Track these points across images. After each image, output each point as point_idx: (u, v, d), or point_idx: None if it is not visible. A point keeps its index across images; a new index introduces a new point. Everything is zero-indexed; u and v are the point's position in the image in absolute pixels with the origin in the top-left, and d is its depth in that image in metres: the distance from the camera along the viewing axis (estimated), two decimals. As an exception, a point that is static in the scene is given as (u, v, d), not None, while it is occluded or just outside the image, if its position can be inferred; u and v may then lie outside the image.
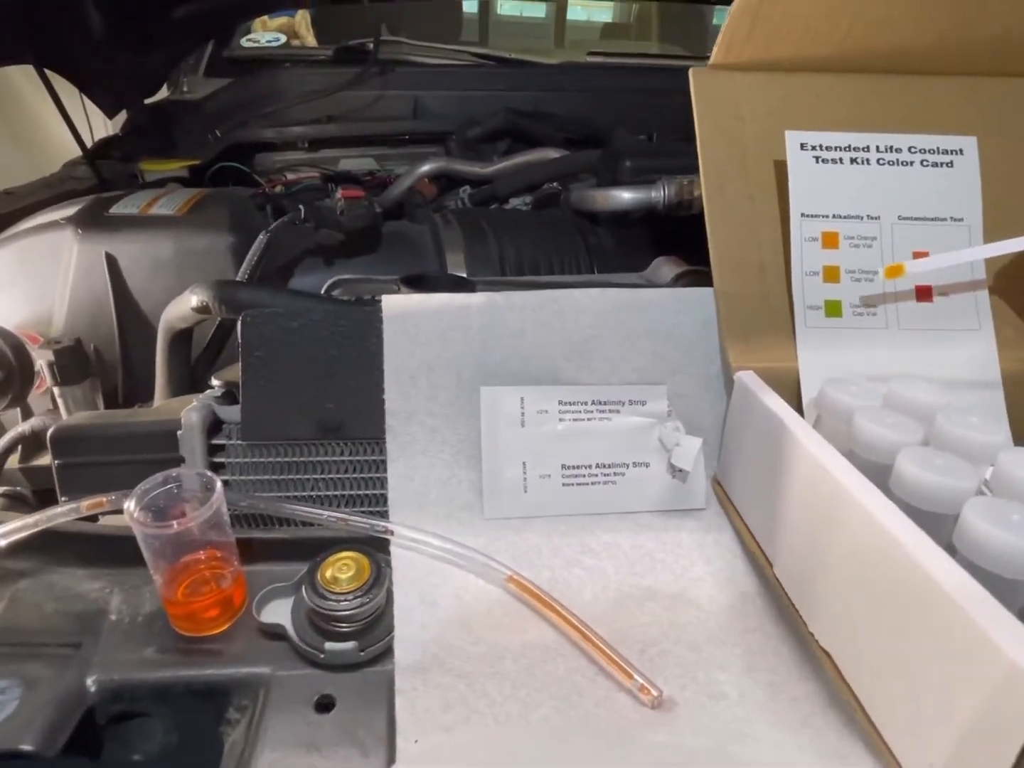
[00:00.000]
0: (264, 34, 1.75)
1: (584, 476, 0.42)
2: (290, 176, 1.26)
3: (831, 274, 0.43)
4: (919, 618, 0.24)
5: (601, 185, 0.84)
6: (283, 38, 1.75)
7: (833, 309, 0.43)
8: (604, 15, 2.42)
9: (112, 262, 0.59)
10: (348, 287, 0.60)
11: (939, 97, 0.46)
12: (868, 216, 0.44)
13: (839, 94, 0.47)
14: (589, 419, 0.43)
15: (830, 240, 0.44)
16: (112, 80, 1.23)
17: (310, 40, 1.91)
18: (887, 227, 0.44)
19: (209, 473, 0.34)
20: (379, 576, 0.35)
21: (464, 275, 0.70)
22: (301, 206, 0.61)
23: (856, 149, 0.44)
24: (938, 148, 0.45)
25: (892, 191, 0.44)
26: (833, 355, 0.42)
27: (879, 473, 0.32)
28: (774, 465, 0.36)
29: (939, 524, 0.29)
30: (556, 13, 2.28)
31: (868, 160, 0.44)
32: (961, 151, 0.45)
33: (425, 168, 1.06)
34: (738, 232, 0.45)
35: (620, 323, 0.43)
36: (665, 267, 0.65)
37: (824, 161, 0.44)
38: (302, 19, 1.95)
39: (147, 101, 1.35)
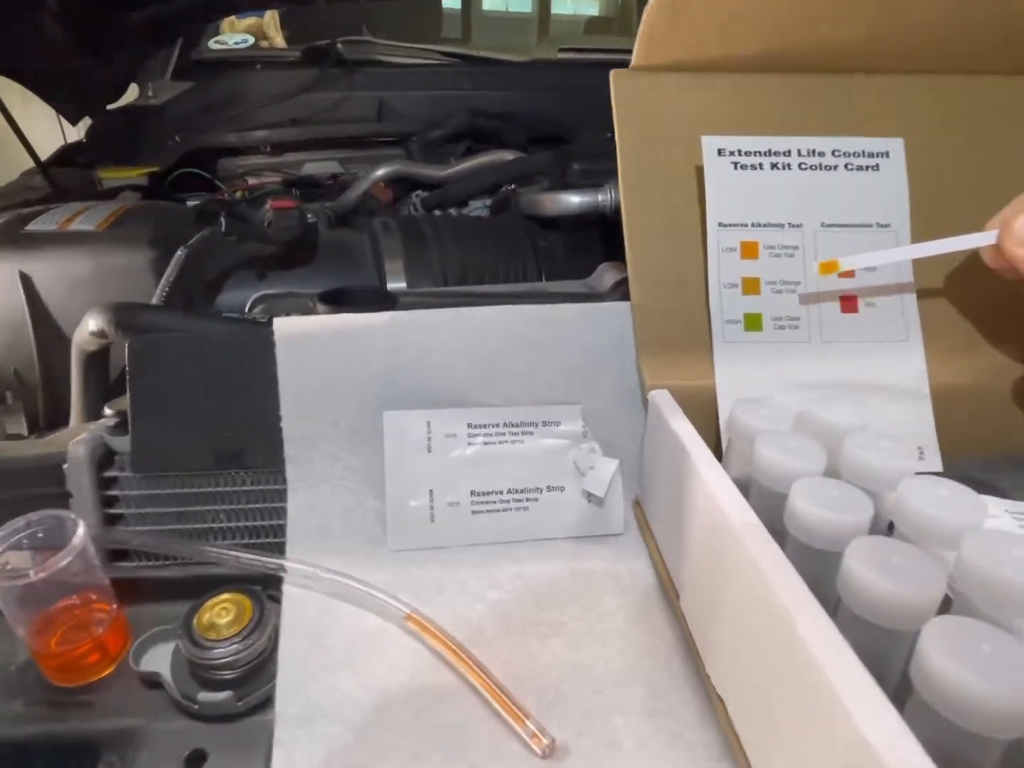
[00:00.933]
0: (232, 36, 1.73)
1: (495, 503, 0.40)
2: (252, 181, 1.25)
3: (751, 286, 0.41)
4: (789, 674, 0.23)
5: (553, 188, 0.82)
6: (251, 39, 1.73)
7: (753, 323, 0.41)
8: (591, 8, 2.38)
9: (27, 281, 0.57)
10: (272, 303, 0.58)
11: (866, 97, 0.44)
12: (790, 224, 0.42)
13: (763, 95, 0.45)
14: (500, 442, 0.41)
15: (749, 250, 0.42)
16: (73, 87, 1.21)
17: (279, 41, 1.88)
18: (810, 235, 0.42)
19: (72, 515, 0.32)
20: (261, 620, 0.33)
21: (404, 284, 0.69)
22: (223, 218, 0.59)
23: (777, 154, 0.42)
24: (863, 151, 0.43)
25: (815, 197, 0.42)
26: (752, 371, 0.40)
27: (780, 504, 0.31)
28: (680, 494, 0.34)
29: (831, 564, 0.27)
30: (540, 8, 2.25)
31: (789, 165, 0.42)
32: (887, 154, 0.43)
33: (380, 172, 1.04)
34: (658, 243, 0.43)
35: (529, 340, 0.41)
36: (607, 274, 0.64)
37: (743, 167, 0.42)
38: (271, 20, 1.92)
39: (112, 106, 1.33)
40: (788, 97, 0.44)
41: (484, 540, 0.40)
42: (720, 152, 0.42)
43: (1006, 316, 0.43)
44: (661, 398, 0.39)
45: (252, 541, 0.42)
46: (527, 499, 0.41)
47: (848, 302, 0.42)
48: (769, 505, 0.32)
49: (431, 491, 0.40)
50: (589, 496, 0.41)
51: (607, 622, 0.36)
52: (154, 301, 0.54)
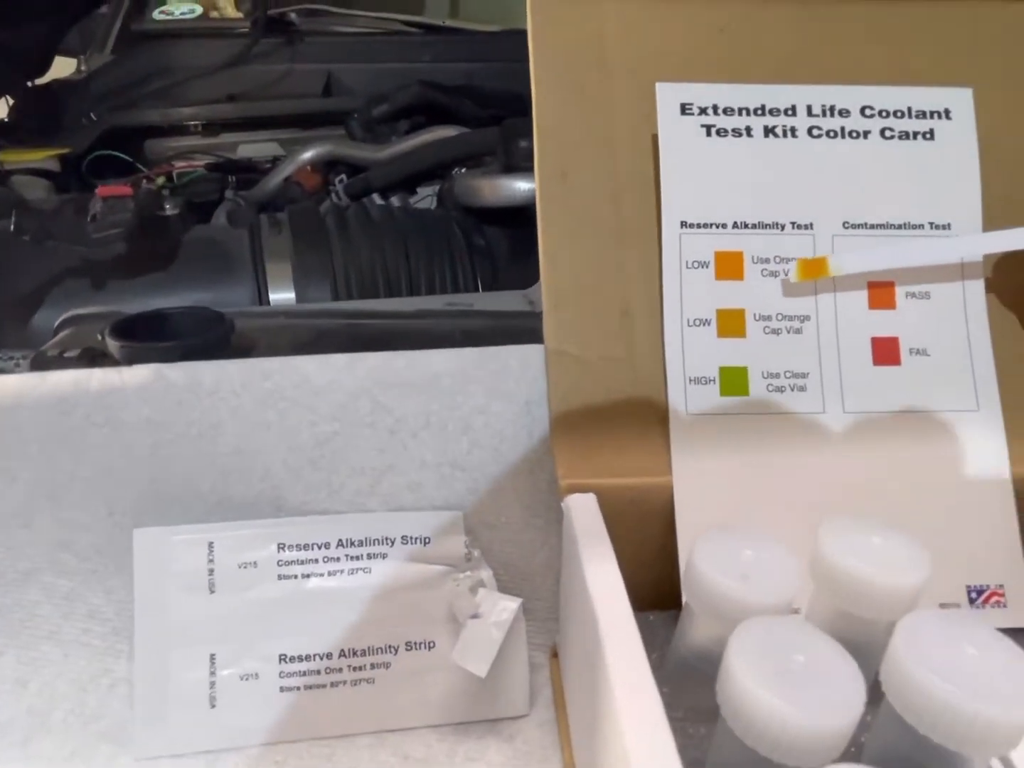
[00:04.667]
0: (179, 5, 1.57)
1: (319, 672, 0.25)
2: (181, 164, 1.09)
3: (731, 323, 0.26)
4: None
5: (499, 171, 0.66)
6: (199, 9, 1.57)
7: (734, 382, 0.26)
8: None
9: None
10: (82, 326, 0.43)
11: (916, 29, 0.29)
12: (794, 224, 0.26)
13: (760, 26, 0.29)
14: (332, 573, 0.26)
15: (730, 266, 0.26)
16: (-15, 61, 1.05)
17: (230, 11, 1.72)
18: (825, 241, 0.26)
19: None
20: None
21: (293, 295, 0.53)
22: (14, 212, 0.43)
23: (775, 112, 0.27)
24: (910, 109, 0.27)
25: (834, 182, 0.27)
26: (733, 464, 0.25)
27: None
28: (592, 681, 0.19)
29: None
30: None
31: (795, 130, 0.27)
32: (947, 113, 0.27)
33: (307, 155, 0.88)
34: (589, 253, 0.27)
35: (384, 410, 0.26)
36: (551, 284, 0.48)
37: (721, 133, 0.27)
38: (221, -12, 1.75)
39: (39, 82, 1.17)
40: (797, 29, 0.29)
41: (299, 735, 0.25)
42: (685, 109, 0.27)
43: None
44: (580, 508, 0.24)
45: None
46: (372, 665, 0.25)
47: (884, 347, 0.26)
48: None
49: (212, 656, 0.25)
50: (473, 658, 0.26)
51: None
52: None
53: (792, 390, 0.26)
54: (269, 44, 1.21)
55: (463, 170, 0.77)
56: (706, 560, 0.20)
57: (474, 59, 1.21)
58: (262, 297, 0.52)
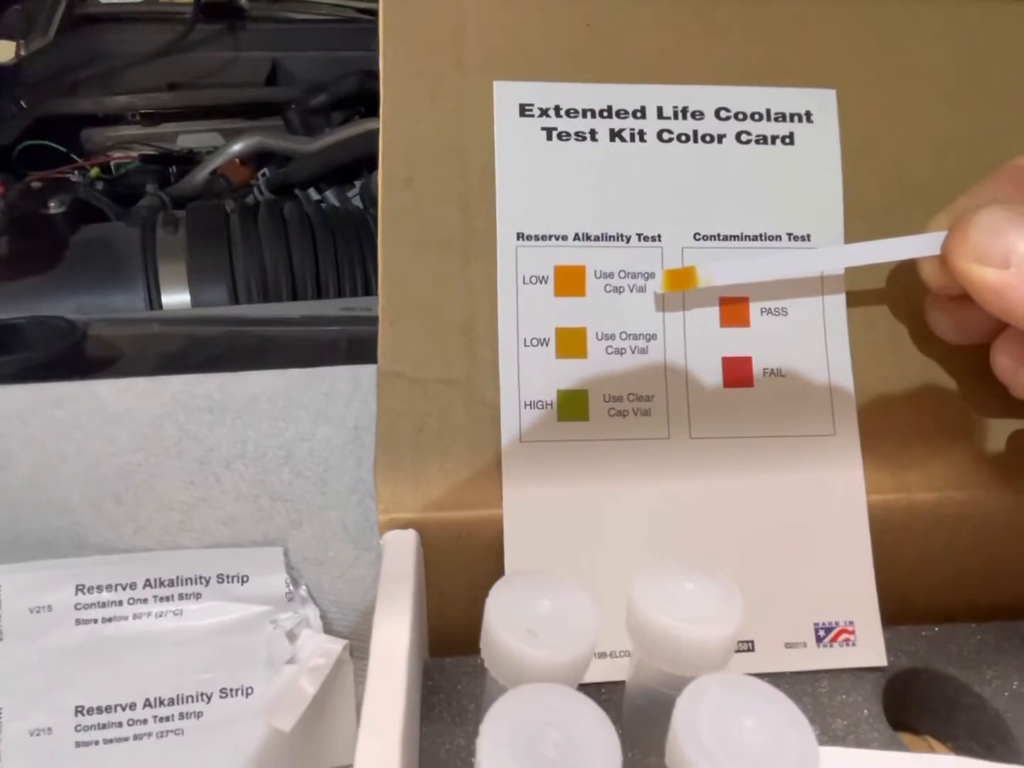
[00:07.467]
0: (127, -12, 1.52)
1: (121, 725, 0.23)
2: (119, 155, 1.06)
3: (571, 343, 0.24)
4: None
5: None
6: (148, -9, 1.52)
7: (573, 406, 0.24)
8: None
9: None
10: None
11: (789, 28, 0.27)
12: (640, 236, 0.25)
13: (629, 22, 0.27)
14: (137, 616, 0.24)
15: (571, 281, 0.24)
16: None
17: (181, -6, 1.68)
18: (675, 253, 0.25)
19: None
20: None
21: (188, 298, 0.51)
22: None
23: (622, 114, 0.25)
24: (768, 111, 0.25)
25: (685, 190, 0.25)
26: (569, 495, 0.23)
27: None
28: None
29: None
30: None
31: (643, 134, 0.25)
32: (808, 115, 0.25)
33: (235, 147, 0.86)
34: (433, 265, 0.25)
35: (192, 438, 0.24)
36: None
37: (563, 136, 0.25)
38: (170, -30, 1.70)
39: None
40: (666, 25, 0.27)
41: (96, 795, 0.23)
42: (524, 110, 0.25)
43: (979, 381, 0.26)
44: (395, 548, 0.22)
45: None
46: (182, 715, 0.23)
47: (736, 367, 0.25)
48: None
49: (-2, 711, 0.23)
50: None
51: None
52: None
53: (635, 414, 0.24)
54: (213, 30, 1.17)
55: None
56: (495, 611, 0.18)
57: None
58: (153, 301, 0.49)
